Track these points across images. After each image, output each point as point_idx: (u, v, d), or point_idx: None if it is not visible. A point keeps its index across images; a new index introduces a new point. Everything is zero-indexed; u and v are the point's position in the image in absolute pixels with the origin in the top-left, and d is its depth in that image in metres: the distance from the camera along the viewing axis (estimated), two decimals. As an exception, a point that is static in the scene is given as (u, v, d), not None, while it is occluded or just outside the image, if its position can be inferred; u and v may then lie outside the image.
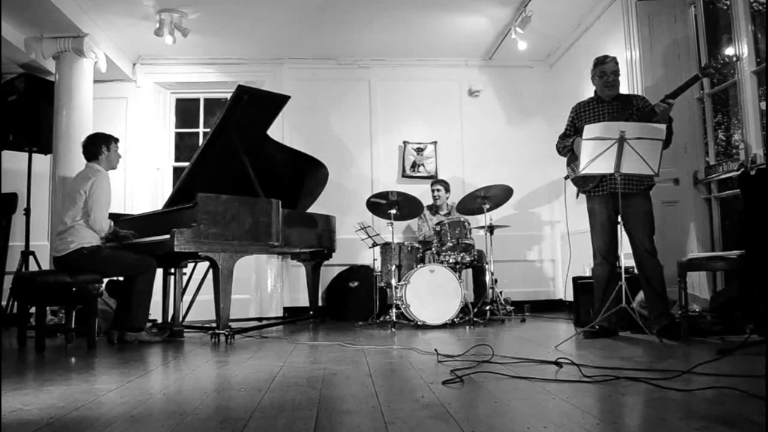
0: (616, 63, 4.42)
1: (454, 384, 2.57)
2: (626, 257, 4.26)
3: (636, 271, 4.34)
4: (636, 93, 5.12)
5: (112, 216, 5.11)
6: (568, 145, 4.53)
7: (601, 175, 4.22)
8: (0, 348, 4.41)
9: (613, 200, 4.30)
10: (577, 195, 4.65)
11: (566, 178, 4.70)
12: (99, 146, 4.73)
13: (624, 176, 4.07)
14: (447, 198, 6.64)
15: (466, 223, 5.68)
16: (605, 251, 4.39)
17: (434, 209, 6.64)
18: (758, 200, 3.53)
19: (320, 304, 6.57)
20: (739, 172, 4.49)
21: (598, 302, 4.35)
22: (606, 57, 4.43)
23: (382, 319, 5.70)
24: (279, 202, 4.86)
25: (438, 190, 6.59)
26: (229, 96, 4.97)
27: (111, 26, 6.28)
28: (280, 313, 6.88)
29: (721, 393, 2.26)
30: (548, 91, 7.43)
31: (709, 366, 2.78)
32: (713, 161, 5.08)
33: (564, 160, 4.70)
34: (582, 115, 4.52)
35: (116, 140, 4.88)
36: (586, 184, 4.44)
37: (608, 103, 4.41)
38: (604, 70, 4.38)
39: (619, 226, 4.35)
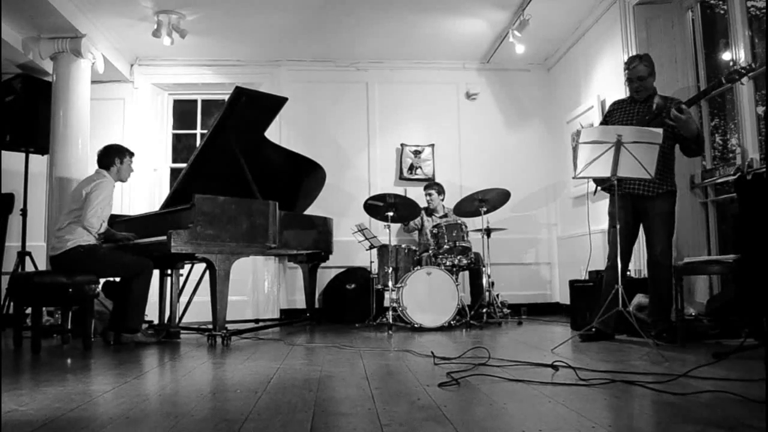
0: (646, 64, 4.22)
1: (450, 387, 2.57)
2: (622, 260, 4.26)
3: (631, 274, 4.32)
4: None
5: (110, 217, 5.11)
6: None
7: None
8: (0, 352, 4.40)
9: (632, 202, 4.26)
10: (595, 191, 4.55)
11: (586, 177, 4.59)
12: (112, 158, 4.82)
13: (642, 179, 4.02)
14: (441, 200, 6.64)
15: (463, 226, 5.69)
16: (615, 256, 4.29)
17: (429, 212, 6.64)
18: (754, 204, 3.54)
19: (317, 306, 6.56)
20: (735, 177, 4.49)
21: (603, 305, 4.29)
22: (632, 61, 4.27)
23: (378, 321, 5.71)
24: (276, 203, 4.85)
25: (430, 195, 6.59)
26: (226, 97, 4.97)
27: (109, 27, 6.27)
28: (277, 315, 6.87)
29: (717, 397, 2.27)
30: (546, 95, 7.45)
31: (705, 370, 2.78)
32: (710, 165, 5.08)
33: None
34: (614, 113, 4.45)
35: (131, 154, 4.97)
36: (604, 181, 4.29)
37: (640, 104, 4.31)
38: (630, 77, 4.25)
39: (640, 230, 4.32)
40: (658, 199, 4.19)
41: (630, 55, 5.32)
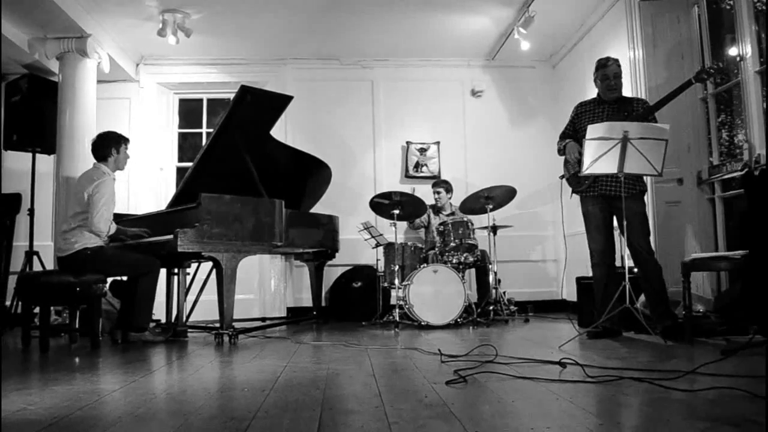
0: (618, 65, 4.40)
1: (458, 384, 2.57)
2: (629, 257, 4.26)
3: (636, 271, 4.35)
4: (639, 94, 5.12)
5: (116, 216, 5.11)
6: (560, 148, 4.59)
7: (594, 176, 4.24)
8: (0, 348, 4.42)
9: (607, 202, 4.33)
10: (571, 195, 4.68)
11: (561, 177, 4.72)
12: (109, 148, 4.71)
13: (616, 179, 4.10)
14: (449, 198, 6.63)
15: (470, 223, 5.68)
16: (601, 252, 4.42)
17: (437, 210, 6.64)
18: (762, 200, 3.52)
19: (323, 304, 6.57)
20: (742, 172, 4.48)
21: (599, 303, 4.36)
22: (608, 60, 4.42)
23: (385, 319, 5.71)
24: (282, 202, 4.86)
25: (438, 192, 6.58)
26: (232, 96, 4.97)
27: (114, 27, 6.28)
28: (284, 314, 6.88)
29: (725, 393, 2.26)
30: (551, 92, 7.43)
31: (713, 366, 2.77)
32: (717, 161, 5.07)
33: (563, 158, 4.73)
34: (582, 115, 4.55)
35: (126, 141, 4.86)
36: (580, 184, 4.47)
37: (609, 105, 4.42)
38: (606, 73, 4.37)
39: (615, 228, 4.39)
40: (633, 199, 4.26)
41: (636, 51, 5.33)
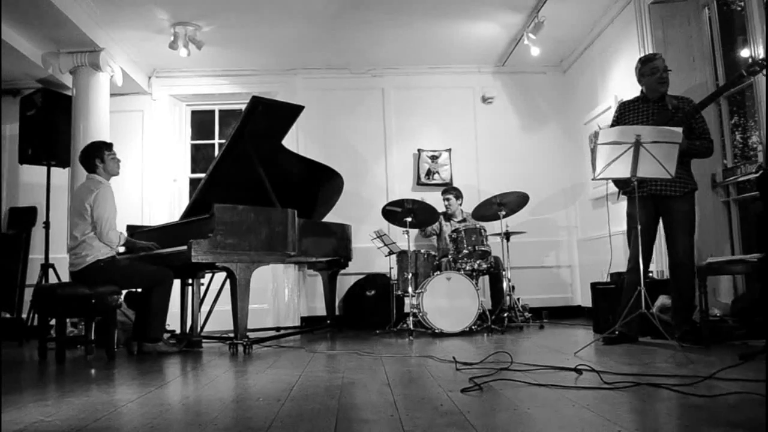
0: (663, 58, 4.32)
1: (473, 392, 2.56)
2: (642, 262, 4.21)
3: (653, 275, 4.28)
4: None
5: (130, 228, 5.15)
6: None
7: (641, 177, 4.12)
8: (0, 358, 4.45)
9: (654, 204, 4.23)
10: (618, 196, 4.52)
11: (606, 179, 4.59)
12: (93, 159, 4.66)
13: (666, 179, 3.99)
14: (459, 205, 6.62)
15: (483, 230, 5.66)
16: (637, 257, 4.26)
17: (448, 217, 6.62)
18: (778, 202, 3.49)
19: (337, 313, 6.56)
20: (757, 174, 4.43)
21: (623, 308, 4.26)
22: (654, 54, 4.34)
23: (399, 327, 5.69)
24: (295, 211, 4.87)
25: (448, 200, 6.57)
26: (243, 107, 5.00)
27: (126, 40, 6.35)
28: (298, 323, 6.89)
29: (743, 398, 2.23)
30: (562, 97, 7.41)
31: (732, 371, 2.74)
32: (731, 164, 5.02)
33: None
34: (628, 114, 4.42)
35: (109, 147, 4.78)
36: (627, 184, 4.31)
37: (653, 104, 4.30)
38: (656, 66, 4.24)
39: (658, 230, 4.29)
40: (681, 199, 4.16)
41: (648, 53, 5.29)
